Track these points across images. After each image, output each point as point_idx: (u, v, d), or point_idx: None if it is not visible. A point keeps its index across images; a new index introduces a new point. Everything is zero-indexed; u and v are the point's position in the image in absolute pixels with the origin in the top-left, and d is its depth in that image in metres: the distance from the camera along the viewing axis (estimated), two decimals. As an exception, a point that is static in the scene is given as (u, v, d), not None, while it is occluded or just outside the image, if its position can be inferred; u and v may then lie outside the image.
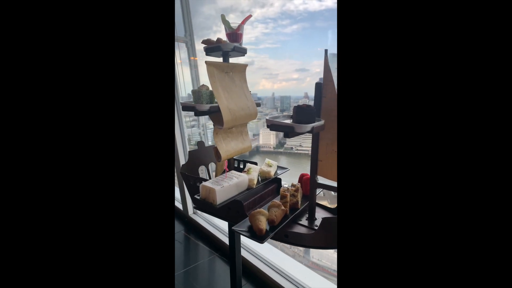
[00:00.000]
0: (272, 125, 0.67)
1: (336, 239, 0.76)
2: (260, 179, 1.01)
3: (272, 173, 1.02)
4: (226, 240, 1.68)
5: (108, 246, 0.42)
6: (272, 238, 0.81)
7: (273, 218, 0.77)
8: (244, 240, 1.58)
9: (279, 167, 1.10)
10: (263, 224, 0.74)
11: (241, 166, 1.14)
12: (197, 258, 1.62)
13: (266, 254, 1.50)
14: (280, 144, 2.23)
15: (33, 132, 0.40)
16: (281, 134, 0.67)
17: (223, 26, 0.91)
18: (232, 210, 0.85)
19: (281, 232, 0.79)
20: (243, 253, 1.53)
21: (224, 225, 1.79)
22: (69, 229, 0.41)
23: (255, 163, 1.07)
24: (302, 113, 0.67)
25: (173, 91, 0.54)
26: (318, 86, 0.74)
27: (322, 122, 0.69)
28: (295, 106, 0.68)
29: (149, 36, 0.42)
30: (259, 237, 0.71)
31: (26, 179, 0.40)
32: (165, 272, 0.44)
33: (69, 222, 0.41)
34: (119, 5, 0.41)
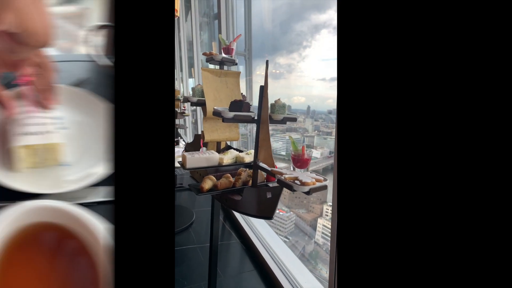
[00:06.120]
0: (213, 112, 0.94)
1: (256, 208, 0.95)
2: (236, 162, 1.26)
3: (247, 160, 1.25)
4: (243, 222, 1.94)
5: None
6: (216, 199, 1.06)
7: (217, 184, 1.02)
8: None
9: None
10: (206, 185, 1.00)
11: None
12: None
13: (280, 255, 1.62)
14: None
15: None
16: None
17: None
18: (198, 173, 1.15)
19: (224, 198, 1.04)
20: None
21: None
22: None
23: (241, 151, 1.33)
24: (234, 105, 0.92)
25: (173, 89, 0.69)
26: (261, 88, 0.97)
27: (249, 114, 0.92)
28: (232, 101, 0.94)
29: (150, 35, 0.40)
30: (198, 191, 0.98)
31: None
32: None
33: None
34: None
